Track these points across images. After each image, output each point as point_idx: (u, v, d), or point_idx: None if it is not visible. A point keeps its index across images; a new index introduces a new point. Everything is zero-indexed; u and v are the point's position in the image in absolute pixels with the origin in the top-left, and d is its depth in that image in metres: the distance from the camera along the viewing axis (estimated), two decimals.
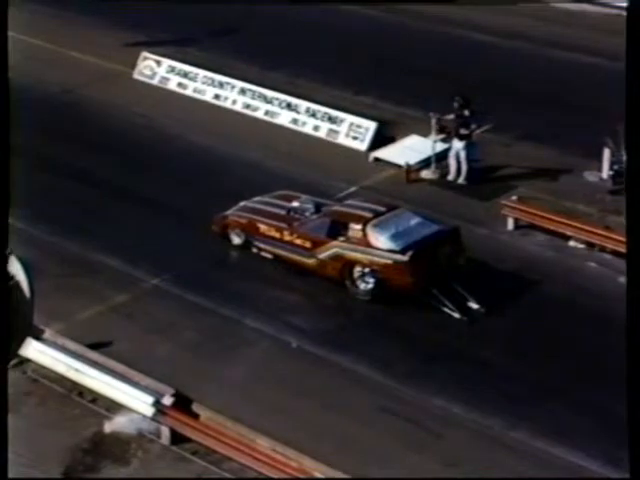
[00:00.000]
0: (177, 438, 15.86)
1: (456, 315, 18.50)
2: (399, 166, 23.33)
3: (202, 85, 26.90)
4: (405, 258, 18.37)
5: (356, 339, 18.21)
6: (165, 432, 15.91)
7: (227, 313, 18.68)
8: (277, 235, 19.80)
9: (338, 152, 24.37)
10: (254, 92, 26.12)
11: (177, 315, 18.70)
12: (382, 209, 19.35)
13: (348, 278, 19.00)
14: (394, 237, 18.72)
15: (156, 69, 27.75)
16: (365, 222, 18.90)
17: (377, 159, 23.96)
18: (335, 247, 19.03)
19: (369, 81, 27.02)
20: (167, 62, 27.67)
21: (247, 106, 26.06)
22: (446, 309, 18.57)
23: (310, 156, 23.95)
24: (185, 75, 27.28)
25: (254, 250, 20.32)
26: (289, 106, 25.51)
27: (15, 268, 12.47)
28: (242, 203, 20.85)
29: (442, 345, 18.10)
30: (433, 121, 23.09)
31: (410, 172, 23.05)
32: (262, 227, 20.04)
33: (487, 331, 18.39)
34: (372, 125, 24.49)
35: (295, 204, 20.26)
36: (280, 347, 17.95)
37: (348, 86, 26.68)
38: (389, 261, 18.52)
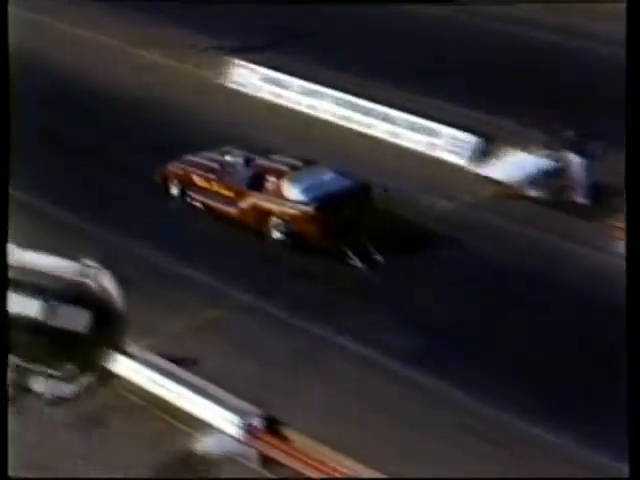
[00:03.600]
0: (266, 460, 15.59)
1: (358, 264, 19.86)
2: (502, 182, 22.56)
3: (296, 94, 26.42)
4: (311, 209, 19.90)
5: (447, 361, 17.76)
6: (253, 454, 15.65)
7: (315, 329, 18.41)
8: (206, 185, 21.52)
9: (437, 166, 23.80)
10: (349, 102, 25.57)
11: (265, 331, 18.47)
12: (299, 163, 20.96)
13: (265, 227, 20.50)
14: (305, 190, 20.25)
15: (248, 77, 27.31)
16: (281, 175, 20.54)
17: (479, 174, 23.17)
18: (253, 197, 20.70)
19: (464, 90, 26.34)
20: (260, 70, 27.25)
21: (342, 117, 25.54)
22: (351, 259, 19.96)
23: (407, 170, 23.42)
24: (278, 84, 26.82)
25: (187, 200, 21.83)
26: (386, 118, 24.92)
27: (106, 282, 12.19)
28: (186, 156, 22.33)
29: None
30: (540, 137, 22.39)
31: (514, 189, 22.33)
32: (195, 178, 21.75)
33: None
34: (472, 139, 23.87)
35: (227, 158, 21.79)
36: (370, 366, 17.61)
37: (445, 96, 25.90)
38: (297, 212, 20.12)
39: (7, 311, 11.65)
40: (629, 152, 12.02)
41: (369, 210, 20.38)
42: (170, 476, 15.52)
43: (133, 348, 17.05)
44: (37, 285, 11.86)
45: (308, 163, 21.08)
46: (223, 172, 21.48)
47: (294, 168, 20.82)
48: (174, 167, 22.21)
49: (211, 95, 26.94)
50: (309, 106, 26.05)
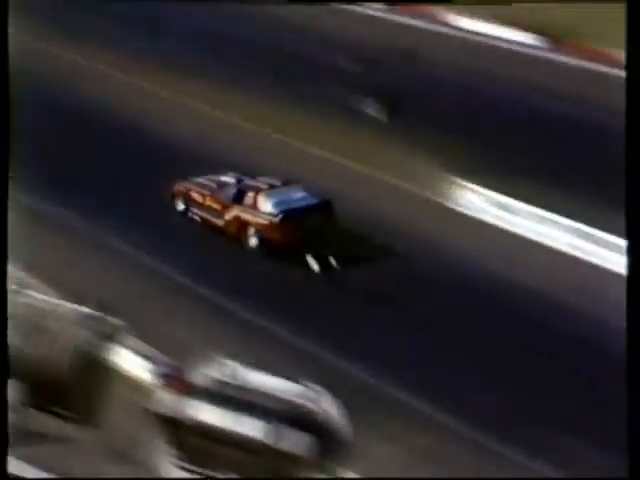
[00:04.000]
0: None
1: (315, 269, 23.42)
2: None
3: (522, 220, 25.53)
4: (277, 219, 24.00)
5: None
6: None
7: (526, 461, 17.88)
8: (201, 200, 25.49)
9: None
10: (581, 231, 24.50)
11: (475, 461, 17.88)
12: (277, 183, 24.89)
13: (244, 236, 24.44)
14: (276, 204, 24.35)
15: (471, 199, 26.68)
16: (258, 191, 24.56)
17: None
18: (235, 210, 24.68)
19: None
20: (485, 192, 26.51)
21: (572, 246, 24.49)
22: (309, 264, 23.44)
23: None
24: (504, 208, 26.01)
25: (189, 214, 25.61)
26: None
27: (329, 405, 11.85)
28: (196, 178, 26.01)
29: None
30: None
31: None
32: (194, 195, 25.70)
33: None
34: None
35: (223, 178, 25.72)
36: None
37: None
38: (267, 222, 24.23)
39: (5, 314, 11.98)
40: (629, 153, 11.54)
41: (331, 224, 24.25)
42: None
43: (346, 472, 16.49)
44: (261, 406, 11.75)
45: (285, 183, 24.95)
46: (216, 189, 25.43)
47: (272, 187, 24.80)
48: (180, 186, 26.01)
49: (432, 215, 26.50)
50: (536, 233, 25.23)
